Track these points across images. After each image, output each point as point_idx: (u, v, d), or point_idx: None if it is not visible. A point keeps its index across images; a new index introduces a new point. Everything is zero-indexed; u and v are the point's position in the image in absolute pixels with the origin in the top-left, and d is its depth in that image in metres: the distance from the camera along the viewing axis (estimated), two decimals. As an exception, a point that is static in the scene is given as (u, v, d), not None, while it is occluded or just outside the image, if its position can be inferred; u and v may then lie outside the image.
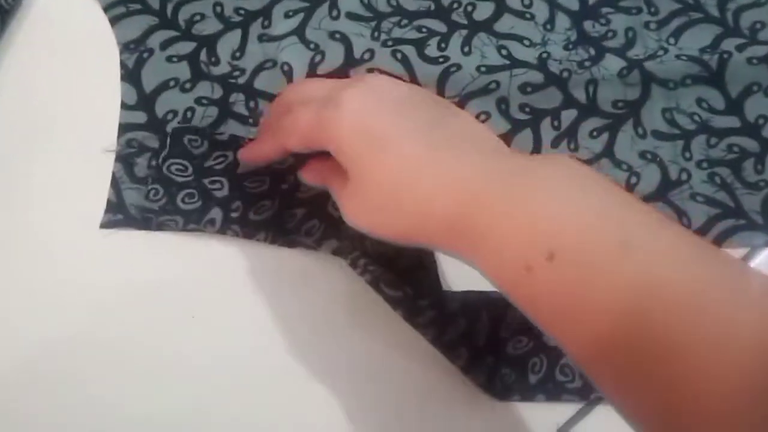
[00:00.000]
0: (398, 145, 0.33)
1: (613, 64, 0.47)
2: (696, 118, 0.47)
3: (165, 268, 0.43)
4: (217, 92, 0.46)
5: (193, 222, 0.43)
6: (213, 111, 0.45)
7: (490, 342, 0.42)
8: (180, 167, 0.44)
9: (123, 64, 0.47)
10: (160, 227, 0.43)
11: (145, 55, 0.47)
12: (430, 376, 0.42)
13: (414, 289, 0.41)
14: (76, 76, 0.46)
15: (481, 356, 0.41)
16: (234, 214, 0.43)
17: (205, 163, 0.44)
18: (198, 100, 0.46)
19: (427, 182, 0.32)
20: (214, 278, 0.43)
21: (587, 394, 0.42)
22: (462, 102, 0.46)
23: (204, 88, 0.46)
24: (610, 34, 0.49)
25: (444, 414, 0.41)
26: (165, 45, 0.47)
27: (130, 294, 0.42)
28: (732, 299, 0.27)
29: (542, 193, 0.30)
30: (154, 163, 0.44)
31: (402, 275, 0.41)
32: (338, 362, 0.42)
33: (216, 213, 0.43)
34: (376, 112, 0.34)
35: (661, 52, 0.48)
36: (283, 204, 0.44)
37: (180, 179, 0.44)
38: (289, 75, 0.46)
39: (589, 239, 0.28)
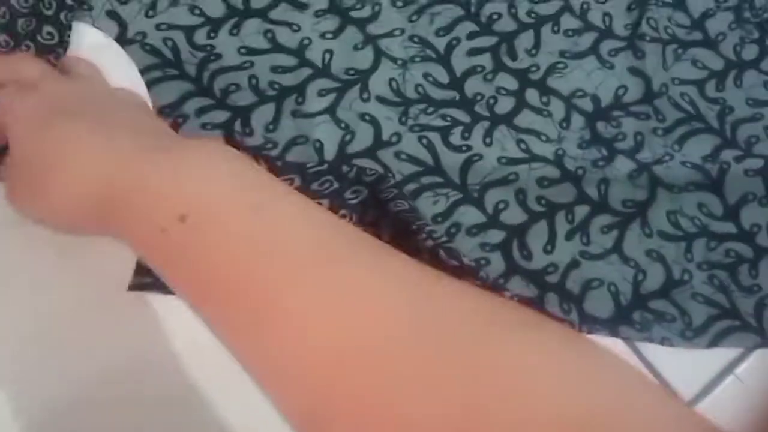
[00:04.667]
0: (59, 127, 0.35)
1: (624, 165, 0.50)
2: (697, 222, 0.50)
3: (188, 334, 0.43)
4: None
5: None
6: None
7: None
8: None
9: (158, 128, 0.47)
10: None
11: (180, 120, 0.48)
12: None
13: None
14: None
15: None
16: None
17: None
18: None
19: (78, 163, 0.34)
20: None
21: None
22: (482, 190, 0.49)
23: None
24: (620, 136, 0.52)
25: None
26: (200, 112, 0.48)
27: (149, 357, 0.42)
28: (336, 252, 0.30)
29: (185, 168, 0.32)
30: None
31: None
32: None
33: None
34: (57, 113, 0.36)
35: (667, 158, 0.51)
36: None
37: None
38: (320, 152, 0.48)
39: (221, 203, 0.31)
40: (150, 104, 0.45)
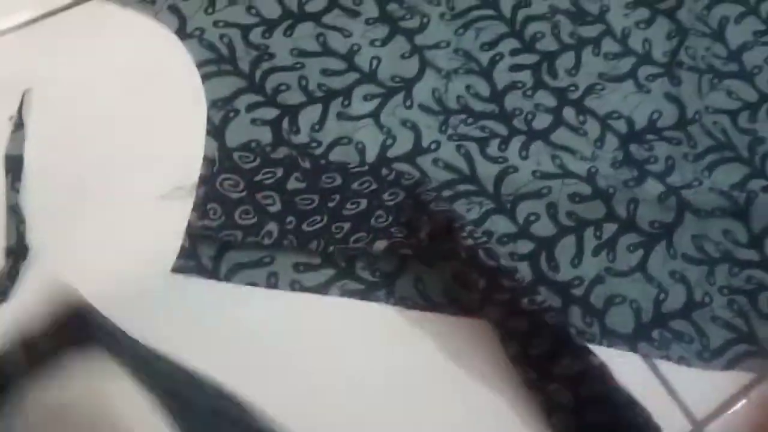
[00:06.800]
0: None
1: (653, 187, 0.52)
2: (721, 247, 0.51)
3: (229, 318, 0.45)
4: (294, 159, 0.50)
5: (251, 235, 0.46)
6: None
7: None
8: (231, 182, 0.47)
9: (210, 120, 0.50)
10: (227, 273, 0.46)
11: (231, 114, 0.50)
12: None
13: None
14: (164, 123, 0.49)
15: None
16: (288, 226, 0.47)
17: (255, 178, 0.47)
18: (276, 164, 0.49)
19: None
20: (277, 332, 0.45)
21: None
22: (515, 201, 0.50)
23: (284, 154, 0.49)
24: (652, 159, 0.53)
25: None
26: (250, 108, 0.51)
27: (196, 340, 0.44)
28: None
29: None
30: (209, 183, 0.47)
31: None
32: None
33: (272, 226, 0.47)
34: None
35: (696, 183, 0.53)
36: (331, 218, 0.47)
37: (234, 195, 0.47)
38: (362, 153, 0.50)
39: None
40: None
